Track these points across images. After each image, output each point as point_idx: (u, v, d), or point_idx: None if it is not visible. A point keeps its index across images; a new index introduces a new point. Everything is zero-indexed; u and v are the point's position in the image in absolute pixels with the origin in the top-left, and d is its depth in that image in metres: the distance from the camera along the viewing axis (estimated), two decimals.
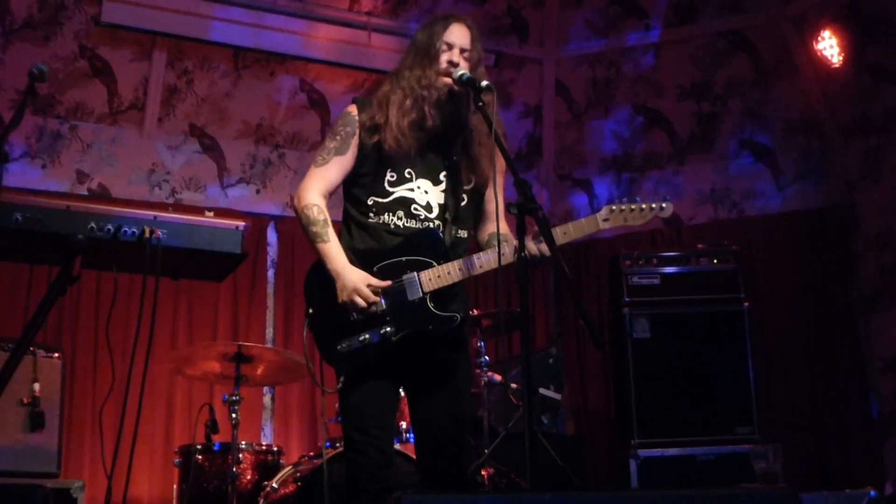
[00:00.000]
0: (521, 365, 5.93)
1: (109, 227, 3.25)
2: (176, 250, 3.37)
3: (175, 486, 5.26)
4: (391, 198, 3.33)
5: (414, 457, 4.38)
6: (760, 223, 7.57)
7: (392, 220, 3.31)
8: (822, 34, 7.09)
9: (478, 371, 5.54)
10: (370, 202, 3.34)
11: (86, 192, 6.77)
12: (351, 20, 7.18)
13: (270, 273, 7.29)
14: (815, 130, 7.50)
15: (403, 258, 3.26)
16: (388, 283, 3.22)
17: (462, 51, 3.35)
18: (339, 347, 3.22)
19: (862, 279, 7.26)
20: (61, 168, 6.77)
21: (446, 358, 3.35)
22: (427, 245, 3.27)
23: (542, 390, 6.25)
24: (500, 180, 3.46)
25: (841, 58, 7.05)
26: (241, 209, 7.09)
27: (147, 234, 3.27)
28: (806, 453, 6.82)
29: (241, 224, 3.52)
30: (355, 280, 3.18)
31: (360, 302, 3.17)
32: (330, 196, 3.38)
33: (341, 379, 3.25)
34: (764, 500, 2.65)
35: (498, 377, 5.60)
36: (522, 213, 2.96)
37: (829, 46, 7.07)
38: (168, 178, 7.10)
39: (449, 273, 3.22)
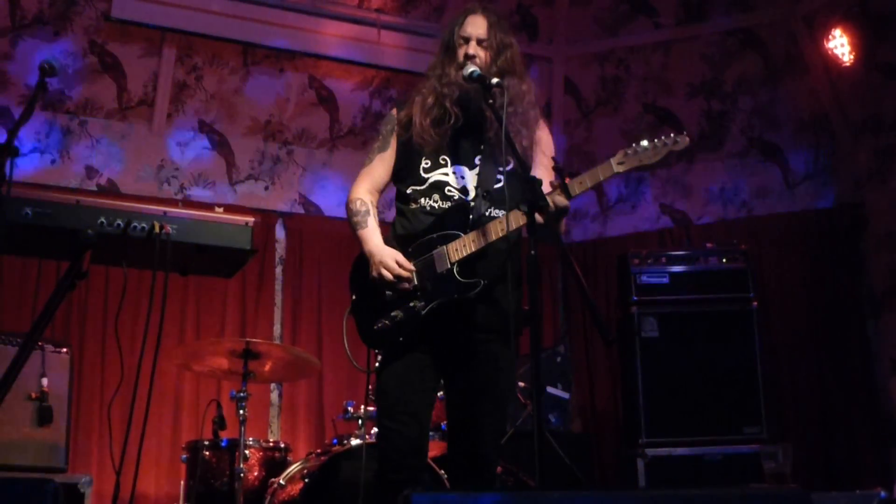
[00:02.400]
0: (529, 363, 5.93)
1: (119, 222, 3.25)
2: (185, 246, 3.37)
3: (182, 482, 5.26)
4: (427, 184, 3.42)
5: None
6: (770, 222, 7.55)
7: (428, 202, 3.40)
8: (832, 32, 7.06)
9: None
10: (409, 191, 3.43)
11: (95, 188, 6.78)
12: (360, 17, 7.17)
13: (279, 269, 7.29)
14: (825, 129, 7.47)
15: (434, 234, 3.32)
16: (411, 266, 3.28)
17: (479, 41, 3.40)
18: (375, 327, 3.28)
19: (871, 278, 7.23)
20: (71, 163, 6.78)
21: (486, 347, 3.32)
22: (456, 219, 3.33)
23: (549, 389, 6.24)
24: (541, 154, 3.47)
25: (851, 56, 7.02)
26: (249, 206, 7.09)
27: (156, 230, 3.27)
28: (815, 453, 6.80)
29: (251, 220, 3.52)
30: (386, 254, 3.28)
31: (387, 274, 3.24)
32: (380, 193, 3.53)
33: (379, 358, 3.31)
34: (775, 500, 2.63)
35: None
36: (532, 210, 2.94)
37: (840, 45, 7.04)
38: (177, 174, 7.10)
39: (475, 241, 3.24)
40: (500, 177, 3.40)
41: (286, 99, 7.38)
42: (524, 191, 2.99)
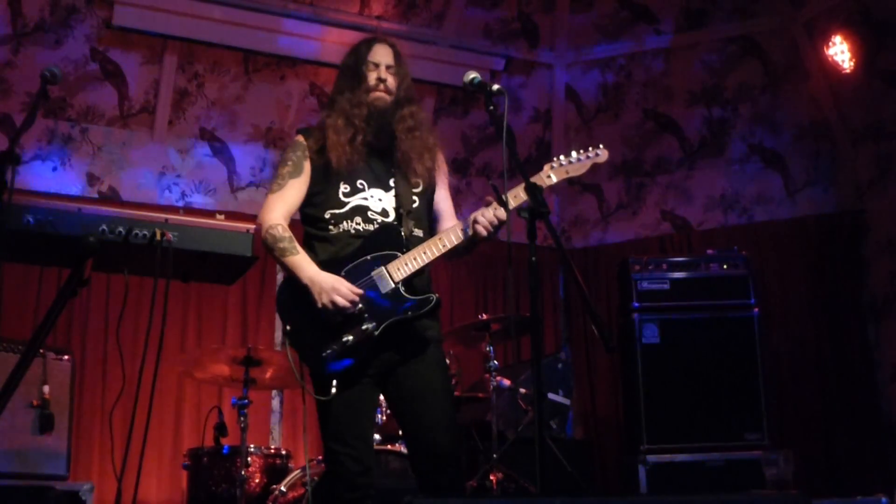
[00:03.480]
0: (530, 370, 5.93)
1: (120, 229, 3.25)
2: (186, 253, 3.37)
3: (184, 489, 5.26)
4: (347, 207, 3.47)
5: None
6: (770, 228, 7.56)
7: (351, 226, 3.44)
8: (833, 39, 7.07)
9: (487, 375, 5.53)
10: (327, 216, 3.47)
11: (96, 195, 6.79)
12: (361, 24, 7.18)
13: (280, 276, 7.29)
14: (825, 136, 7.48)
15: (368, 256, 3.37)
16: (360, 289, 3.30)
17: (388, 67, 3.58)
18: (324, 354, 3.26)
19: (872, 285, 7.24)
20: (72, 171, 6.79)
21: (432, 352, 3.42)
22: (388, 240, 3.40)
23: (550, 395, 6.24)
24: (444, 178, 3.68)
25: (852, 63, 7.03)
26: (251, 213, 7.07)
27: (158, 237, 3.27)
28: (816, 460, 6.80)
29: (252, 227, 3.53)
30: (332, 281, 3.28)
31: (341, 301, 3.24)
32: (288, 219, 3.49)
33: (334, 383, 3.27)
34: None
35: (507, 382, 5.60)
36: (533, 217, 2.97)
37: (840, 52, 7.05)
38: (178, 181, 7.11)
39: (416, 259, 3.35)
40: (416, 197, 3.53)
41: (287, 106, 7.39)
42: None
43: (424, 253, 3.35)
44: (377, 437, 4.92)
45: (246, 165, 7.35)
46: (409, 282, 3.35)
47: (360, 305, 3.28)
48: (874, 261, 7.26)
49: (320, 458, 5.17)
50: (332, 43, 7.13)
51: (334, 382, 3.27)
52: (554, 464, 5.26)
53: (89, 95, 6.83)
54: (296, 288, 3.33)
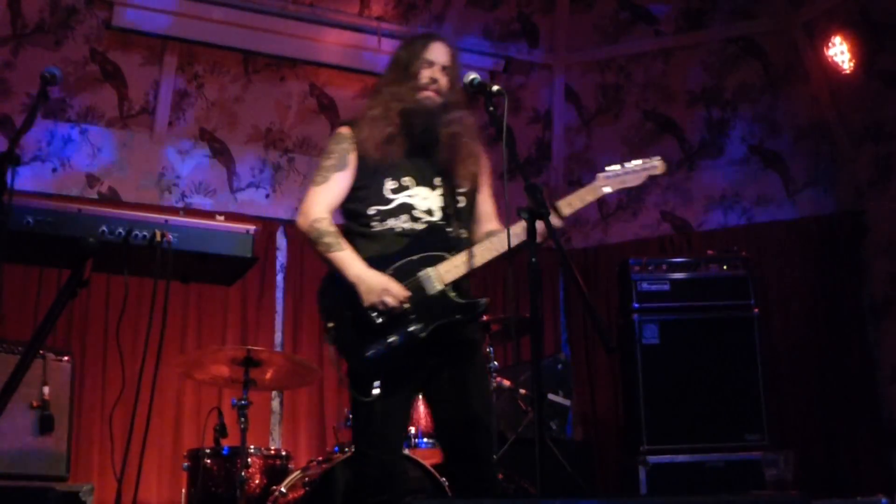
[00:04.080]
0: (530, 370, 5.93)
1: (120, 230, 3.25)
2: (186, 254, 3.36)
3: (183, 491, 5.26)
4: (394, 204, 3.37)
5: (422, 462, 4.40)
6: (770, 229, 7.56)
7: (398, 224, 3.35)
8: (832, 40, 7.07)
9: None
10: (372, 212, 3.38)
11: (96, 196, 6.79)
12: (361, 25, 7.19)
13: (280, 277, 7.30)
14: (825, 137, 7.48)
15: (415, 257, 3.30)
16: (408, 290, 3.24)
17: (443, 68, 3.47)
18: (368, 354, 3.21)
19: (872, 286, 7.24)
20: (72, 172, 6.79)
21: (475, 357, 3.39)
22: (436, 241, 3.33)
23: (550, 396, 6.24)
24: (487, 181, 3.59)
25: (851, 64, 7.03)
26: (250, 214, 7.10)
27: (158, 238, 3.27)
28: (816, 460, 6.80)
29: (252, 228, 3.52)
30: (381, 281, 3.21)
31: (392, 301, 3.18)
32: (333, 213, 3.41)
33: (376, 384, 3.21)
34: None
35: (507, 382, 5.59)
36: (533, 217, 2.95)
37: (840, 52, 7.06)
38: (178, 183, 7.11)
39: (465, 262, 3.28)
40: (461, 198, 3.46)
41: (287, 107, 7.39)
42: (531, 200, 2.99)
43: (474, 256, 3.28)
44: None
45: (246, 166, 7.36)
46: (456, 285, 3.30)
47: (407, 306, 3.23)
48: (874, 262, 7.26)
49: (320, 458, 5.18)
50: (332, 44, 7.14)
51: (376, 384, 3.21)
52: (554, 464, 5.26)
53: (89, 96, 6.84)
54: (340, 284, 3.26)
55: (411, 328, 3.22)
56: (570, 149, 8.13)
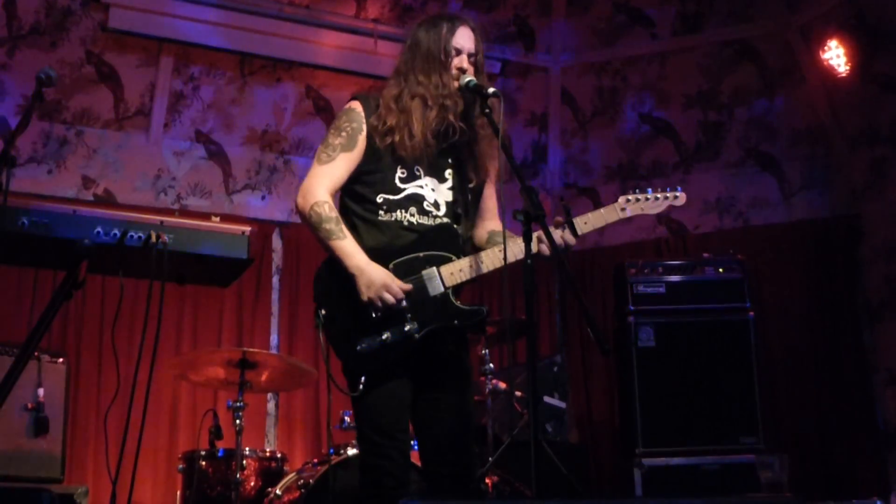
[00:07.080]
0: (526, 373, 5.93)
1: (116, 231, 3.25)
2: (182, 255, 3.36)
3: (179, 493, 5.25)
4: (402, 195, 3.29)
5: (416, 463, 4.38)
6: (766, 232, 7.56)
7: (405, 216, 3.27)
8: (828, 44, 7.07)
9: (482, 378, 5.52)
10: (380, 199, 3.28)
11: (91, 198, 6.78)
12: (357, 27, 7.19)
13: (275, 279, 7.29)
14: (821, 140, 7.49)
15: (420, 254, 3.23)
16: (409, 286, 3.17)
17: (470, 55, 3.35)
18: (358, 348, 3.14)
19: (868, 289, 7.24)
20: (67, 173, 6.78)
21: (456, 359, 3.33)
22: (444, 240, 3.26)
23: (546, 398, 6.24)
24: (494, 176, 3.50)
25: (847, 67, 7.04)
26: (246, 215, 7.09)
27: (153, 239, 3.26)
28: (811, 463, 6.80)
29: (247, 229, 3.52)
30: (382, 276, 3.12)
31: (390, 298, 3.09)
32: (334, 195, 3.30)
33: (362, 380, 3.16)
34: None
35: (502, 385, 5.59)
36: (529, 219, 2.95)
37: (836, 56, 7.06)
38: (174, 184, 7.10)
39: (472, 267, 3.21)
40: (469, 194, 3.40)
41: (283, 109, 7.39)
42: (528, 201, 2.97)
43: (481, 262, 3.21)
44: None
45: (241, 168, 7.35)
46: (458, 289, 3.22)
47: (405, 304, 3.15)
48: (869, 265, 7.26)
49: (315, 460, 5.17)
50: (328, 46, 7.14)
51: (362, 379, 3.15)
52: (549, 467, 5.26)
53: (85, 98, 6.83)
54: (337, 272, 3.17)
55: (407, 327, 3.15)
56: (566, 152, 8.14)
